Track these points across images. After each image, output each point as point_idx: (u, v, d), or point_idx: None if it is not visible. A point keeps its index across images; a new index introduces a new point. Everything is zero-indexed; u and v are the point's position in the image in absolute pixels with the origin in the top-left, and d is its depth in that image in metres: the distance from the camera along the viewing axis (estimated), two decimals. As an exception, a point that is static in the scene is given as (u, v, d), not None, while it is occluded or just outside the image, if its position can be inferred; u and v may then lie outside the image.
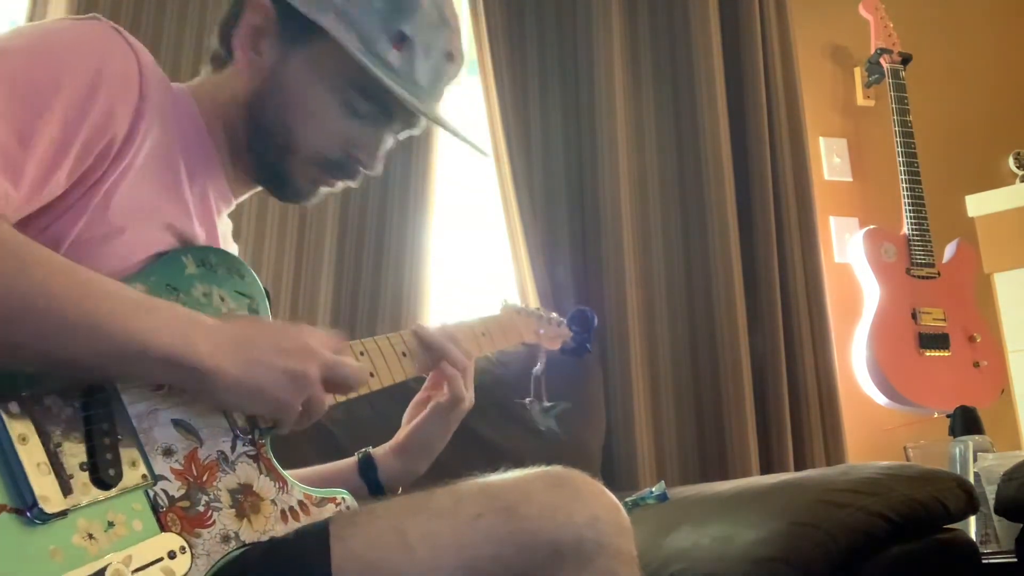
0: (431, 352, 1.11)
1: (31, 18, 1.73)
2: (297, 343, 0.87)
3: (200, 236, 0.96)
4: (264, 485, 0.88)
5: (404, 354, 1.09)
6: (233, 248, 1.13)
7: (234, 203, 1.07)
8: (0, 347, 0.71)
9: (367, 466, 1.13)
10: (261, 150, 0.99)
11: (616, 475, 1.95)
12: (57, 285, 0.72)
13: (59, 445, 0.74)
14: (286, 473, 0.91)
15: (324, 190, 1.05)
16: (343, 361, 0.92)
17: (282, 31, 0.98)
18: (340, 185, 1.05)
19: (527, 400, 1.29)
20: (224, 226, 1.08)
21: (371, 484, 1.12)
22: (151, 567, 0.75)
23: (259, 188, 1.07)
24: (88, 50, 0.82)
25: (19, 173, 0.75)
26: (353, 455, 1.16)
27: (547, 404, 1.29)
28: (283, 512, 0.88)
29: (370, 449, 1.15)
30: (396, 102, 0.98)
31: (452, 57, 1.03)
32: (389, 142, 1.06)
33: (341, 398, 0.97)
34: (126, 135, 0.83)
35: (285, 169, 1.00)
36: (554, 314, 1.41)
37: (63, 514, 0.71)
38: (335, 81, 0.97)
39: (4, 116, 0.74)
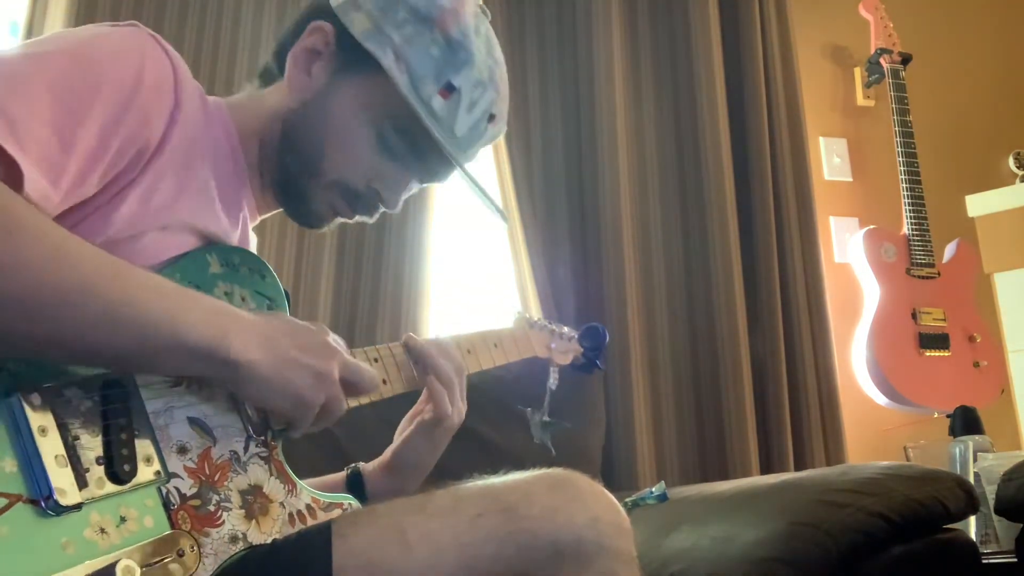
0: (419, 364, 1.09)
1: (31, 18, 1.73)
2: (318, 341, 0.88)
3: (233, 239, 0.97)
4: (274, 487, 0.88)
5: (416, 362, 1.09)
6: None
7: (258, 219, 1.08)
8: (36, 338, 0.72)
9: (355, 483, 1.13)
10: (289, 164, 1.00)
11: (616, 475, 1.95)
12: (95, 277, 0.73)
13: (77, 438, 0.75)
14: (296, 477, 0.92)
15: (339, 220, 1.05)
16: (360, 364, 0.93)
17: (337, 58, 1.00)
18: (356, 218, 1.05)
19: (528, 410, 1.29)
20: (251, 241, 1.09)
21: (359, 500, 1.09)
22: (160, 564, 0.75)
23: (278, 209, 1.08)
24: (127, 57, 0.83)
25: (59, 175, 0.76)
26: (354, 460, 1.16)
27: (547, 419, 1.29)
28: (291, 515, 0.88)
29: (359, 465, 1.15)
30: (430, 146, 1.00)
31: (494, 119, 1.04)
32: (413, 187, 1.07)
33: (353, 403, 0.97)
34: (159, 142, 0.85)
35: (307, 189, 1.01)
36: (566, 328, 1.41)
37: (77, 507, 0.72)
38: (377, 115, 0.99)
39: (47, 119, 0.76)
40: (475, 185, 1.05)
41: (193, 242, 0.91)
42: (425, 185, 1.09)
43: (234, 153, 1.00)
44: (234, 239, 0.99)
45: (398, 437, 1.14)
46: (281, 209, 1.08)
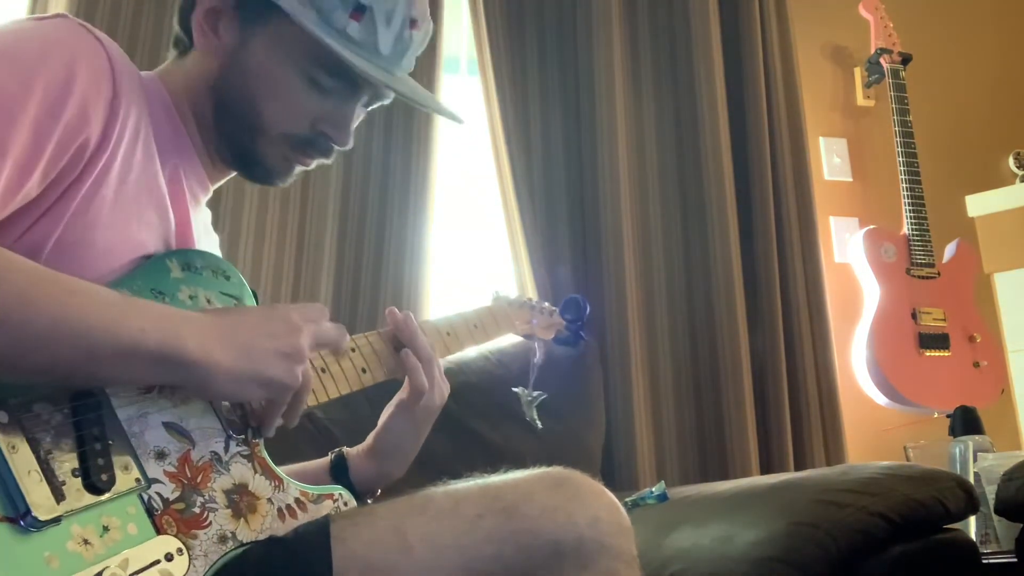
0: (396, 340, 1.08)
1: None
2: (281, 320, 0.87)
3: (171, 229, 0.94)
4: (260, 484, 0.88)
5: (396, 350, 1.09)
6: (213, 238, 1.12)
7: (211, 189, 1.06)
8: None
9: (339, 466, 1.12)
10: (230, 131, 0.99)
11: (616, 475, 1.95)
12: (33, 293, 0.71)
13: (50, 452, 0.74)
14: (281, 472, 0.91)
15: (298, 169, 1.04)
16: (325, 325, 0.92)
17: (240, 12, 0.97)
18: (313, 163, 1.04)
19: (518, 389, 1.29)
20: (204, 215, 1.07)
21: (342, 484, 1.09)
22: (148, 570, 0.75)
23: (234, 173, 1.06)
24: (57, 51, 0.81)
25: None
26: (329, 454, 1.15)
27: (532, 395, 1.29)
28: (280, 510, 0.88)
29: (344, 449, 1.14)
30: (360, 75, 0.97)
31: (415, 23, 1.00)
32: (359, 115, 1.04)
33: (335, 395, 0.97)
34: (101, 135, 0.83)
35: (255, 150, 0.99)
36: (546, 303, 1.40)
37: (56, 520, 0.71)
38: (297, 59, 0.96)
39: None
40: (412, 100, 1.02)
41: (147, 237, 0.89)
42: (371, 108, 1.07)
43: (176, 128, 0.98)
44: (178, 219, 0.96)
45: (380, 421, 1.13)
46: (233, 174, 1.06)
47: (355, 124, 1.03)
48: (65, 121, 0.79)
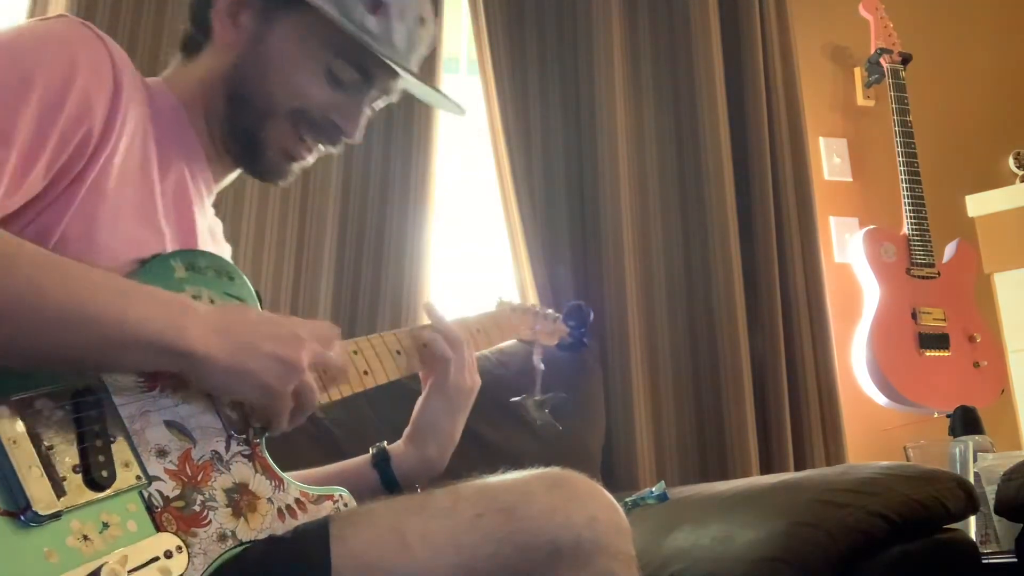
0: (424, 342, 1.12)
1: (31, 17, 1.73)
2: (286, 331, 0.88)
3: (165, 231, 0.95)
4: (260, 484, 0.88)
5: (398, 352, 1.10)
6: (224, 248, 1.13)
7: (215, 188, 1.07)
8: None
9: (382, 459, 1.13)
10: (239, 118, 1.00)
11: (616, 475, 1.95)
12: (47, 279, 0.73)
13: (51, 447, 0.74)
14: (282, 472, 0.91)
15: (297, 165, 1.05)
16: (327, 352, 0.93)
17: (263, 3, 1.00)
18: (311, 157, 1.05)
19: (520, 398, 1.29)
20: (215, 224, 1.08)
21: (384, 476, 1.12)
22: (147, 567, 0.75)
23: (237, 172, 1.07)
24: (60, 45, 0.83)
25: (0, 173, 0.75)
26: (354, 454, 1.16)
27: (540, 397, 1.29)
28: (280, 510, 0.88)
29: (384, 443, 1.16)
30: (376, 67, 1.00)
31: (423, 21, 1.04)
32: (367, 112, 1.07)
33: (336, 396, 0.97)
34: (103, 127, 0.84)
35: (262, 137, 1.00)
36: (550, 310, 1.41)
37: (56, 516, 0.72)
38: (315, 49, 0.99)
39: None
40: (428, 87, 1.05)
41: (149, 233, 0.91)
42: (379, 107, 1.09)
43: (181, 127, 0.99)
44: (179, 220, 0.97)
45: (416, 407, 1.16)
46: (238, 171, 1.07)
47: (365, 119, 1.06)
48: (67, 113, 0.80)
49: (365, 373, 1.04)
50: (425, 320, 1.92)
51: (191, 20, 1.04)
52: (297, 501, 0.90)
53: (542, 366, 1.31)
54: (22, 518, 0.70)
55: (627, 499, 1.37)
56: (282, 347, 0.86)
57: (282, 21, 0.99)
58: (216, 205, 1.11)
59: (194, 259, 0.93)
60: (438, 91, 1.07)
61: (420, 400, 1.14)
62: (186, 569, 0.77)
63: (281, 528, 0.87)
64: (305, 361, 0.88)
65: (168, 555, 0.77)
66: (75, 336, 0.74)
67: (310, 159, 1.05)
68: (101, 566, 0.72)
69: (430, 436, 1.13)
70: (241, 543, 0.83)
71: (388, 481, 1.12)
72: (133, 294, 0.79)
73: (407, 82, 1.06)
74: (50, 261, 0.75)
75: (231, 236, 1.82)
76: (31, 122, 0.78)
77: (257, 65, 0.99)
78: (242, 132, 1.01)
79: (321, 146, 1.05)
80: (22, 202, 0.79)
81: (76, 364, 0.77)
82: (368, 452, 1.16)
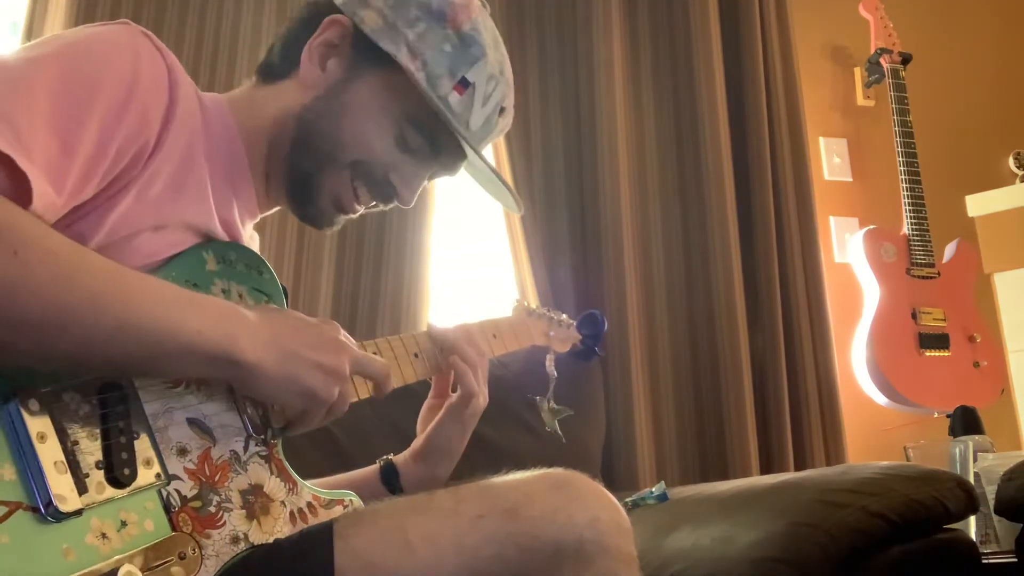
0: (443, 349, 1.11)
1: (31, 18, 1.73)
2: (328, 337, 0.89)
3: (222, 237, 0.96)
4: (274, 486, 0.88)
5: (416, 355, 1.09)
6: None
7: (259, 216, 1.07)
8: (41, 355, 0.72)
9: (390, 473, 1.13)
10: (301, 159, 1.00)
11: (616, 475, 1.95)
12: (106, 291, 0.73)
13: (76, 443, 0.74)
14: (296, 475, 0.92)
15: (344, 218, 1.05)
16: (371, 356, 0.94)
17: (353, 53, 1.00)
18: (361, 210, 1.05)
19: (537, 398, 1.29)
20: (252, 238, 1.08)
21: (393, 491, 1.12)
22: (162, 567, 0.75)
23: (282, 206, 1.07)
24: (121, 55, 0.83)
25: (63, 180, 0.76)
26: (353, 458, 1.16)
27: (556, 407, 1.29)
28: (292, 514, 0.88)
29: (391, 456, 1.16)
30: (446, 141, 1.01)
31: (504, 111, 1.05)
32: (426, 182, 1.07)
33: (353, 399, 0.97)
34: (157, 138, 0.84)
35: (317, 182, 1.00)
36: (564, 316, 1.41)
37: (78, 513, 0.72)
38: (393, 111, 0.99)
39: (48, 125, 0.75)
40: (497, 176, 1.06)
41: (189, 240, 0.90)
42: (435, 179, 1.10)
43: (233, 150, 0.99)
44: (225, 238, 0.98)
45: (423, 427, 1.16)
46: (282, 206, 1.08)
47: (421, 188, 1.06)
48: (127, 124, 0.81)
49: (415, 355, 1.05)
50: (424, 320, 1.93)
51: (281, 48, 1.04)
52: (309, 505, 0.90)
53: (555, 372, 1.30)
54: (44, 513, 0.70)
55: (627, 499, 1.38)
56: (326, 355, 0.87)
57: (368, 74, 0.99)
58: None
59: (226, 252, 0.93)
60: (503, 182, 1.07)
61: (433, 423, 1.13)
62: (198, 571, 0.77)
63: (291, 532, 0.87)
64: (347, 368, 0.89)
65: (182, 556, 0.77)
66: (130, 347, 0.74)
67: (359, 212, 1.05)
68: (117, 566, 0.72)
69: (443, 458, 1.13)
70: (252, 546, 0.83)
71: (396, 494, 1.12)
72: (188, 304, 0.79)
73: (471, 166, 1.07)
74: (109, 271, 0.75)
75: (231, 236, 1.82)
76: (94, 133, 0.78)
77: (332, 110, 0.99)
78: (300, 174, 1.00)
79: (372, 202, 1.05)
80: (72, 206, 0.79)
81: (124, 371, 0.78)
82: (373, 458, 1.16)
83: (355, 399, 0.97)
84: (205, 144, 0.93)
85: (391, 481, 1.13)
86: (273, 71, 1.04)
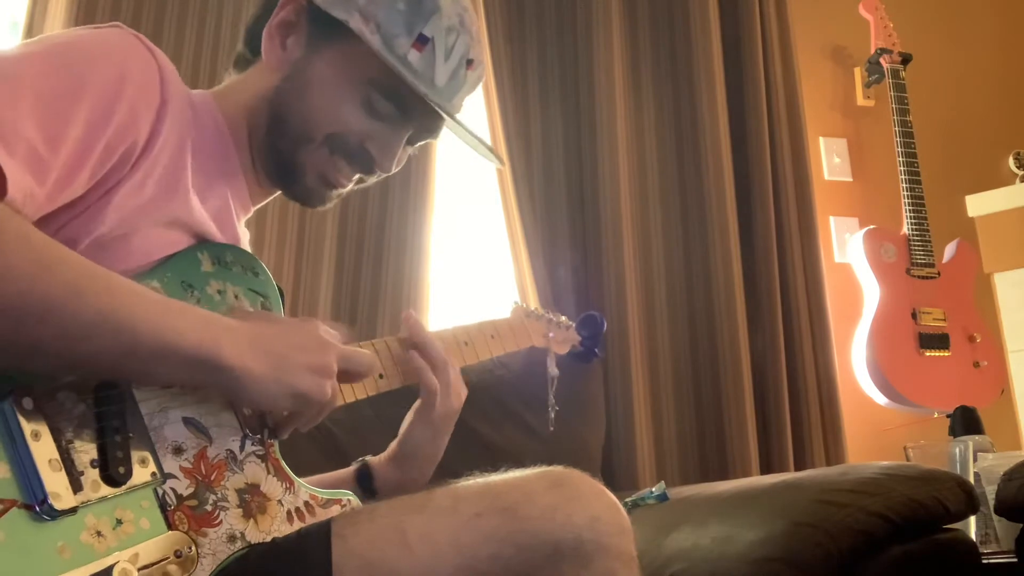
0: (409, 341, 1.09)
1: (31, 18, 1.73)
2: (312, 337, 0.88)
3: (217, 237, 0.96)
4: (271, 485, 0.88)
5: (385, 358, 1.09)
6: None
7: (252, 209, 1.08)
8: (20, 347, 0.71)
9: (364, 476, 1.13)
10: (278, 140, 1.00)
11: (616, 475, 1.95)
12: (83, 285, 0.73)
13: (71, 442, 0.74)
14: (293, 474, 0.92)
15: (335, 193, 1.05)
16: (355, 351, 0.94)
17: (309, 29, 1.00)
18: (349, 184, 1.05)
19: (551, 401, 1.30)
20: (243, 234, 1.09)
21: (368, 493, 1.11)
22: (157, 565, 0.75)
23: (276, 193, 1.08)
24: (111, 55, 0.83)
25: (45, 172, 0.76)
26: (354, 458, 1.16)
27: (556, 407, 1.30)
28: (289, 513, 0.88)
29: (368, 458, 1.15)
30: (414, 102, 1.00)
31: (472, 64, 1.03)
32: (405, 150, 1.06)
33: (351, 398, 0.97)
34: (147, 139, 0.85)
35: (298, 161, 1.00)
36: (563, 317, 1.40)
37: (72, 511, 0.72)
38: (356, 78, 0.99)
39: (32, 117, 0.75)
40: (467, 132, 1.04)
41: (183, 239, 0.91)
42: (419, 144, 1.09)
43: (224, 145, 1.00)
44: (220, 236, 0.98)
45: (401, 428, 1.14)
46: (277, 193, 1.08)
47: (399, 155, 1.05)
48: (115, 124, 0.81)
49: (380, 377, 1.04)
50: (424, 319, 1.93)
51: (244, 37, 1.05)
52: (307, 504, 0.90)
53: (556, 371, 1.30)
54: (38, 511, 0.70)
55: (627, 499, 1.38)
56: (313, 355, 0.86)
57: (327, 48, 0.99)
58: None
59: (221, 252, 0.93)
60: (476, 137, 1.06)
61: (404, 425, 1.12)
62: (194, 569, 0.78)
63: (289, 531, 0.87)
64: (334, 365, 0.89)
65: (178, 555, 0.77)
66: (110, 342, 0.74)
67: (347, 186, 1.05)
68: (113, 564, 0.72)
69: (413, 463, 1.12)
70: (250, 544, 0.83)
71: (371, 497, 1.10)
72: (170, 308, 0.79)
73: (456, 125, 1.05)
74: (91, 268, 0.75)
75: (231, 236, 1.83)
76: (79, 130, 0.78)
77: (298, 89, 0.99)
78: (280, 155, 1.01)
79: (357, 175, 1.04)
80: (60, 204, 0.79)
81: (108, 372, 0.77)
82: (359, 458, 1.16)
83: (355, 399, 0.97)
84: (197, 142, 0.93)
85: (366, 483, 1.12)
86: (243, 59, 1.05)
